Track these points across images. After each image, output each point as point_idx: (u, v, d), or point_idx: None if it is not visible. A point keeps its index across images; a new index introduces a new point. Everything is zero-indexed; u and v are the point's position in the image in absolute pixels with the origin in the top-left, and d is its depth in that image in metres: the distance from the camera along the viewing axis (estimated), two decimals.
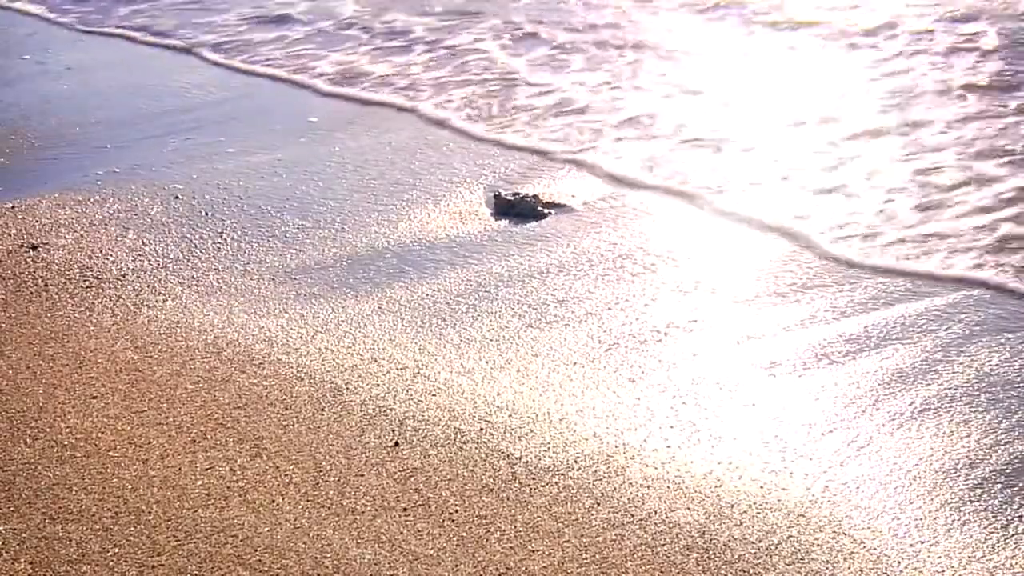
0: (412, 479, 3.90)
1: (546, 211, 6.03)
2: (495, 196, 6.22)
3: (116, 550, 3.52)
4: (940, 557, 3.44)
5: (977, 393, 4.22)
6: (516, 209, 6.05)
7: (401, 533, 3.61)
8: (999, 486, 3.72)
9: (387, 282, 5.39)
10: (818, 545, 3.53)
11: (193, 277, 5.55)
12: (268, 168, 6.95)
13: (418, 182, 6.49)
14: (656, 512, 3.71)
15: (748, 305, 4.98)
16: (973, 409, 4.13)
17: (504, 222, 5.95)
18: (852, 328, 4.72)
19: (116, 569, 3.44)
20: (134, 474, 3.92)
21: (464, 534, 3.61)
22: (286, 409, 4.35)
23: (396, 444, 4.11)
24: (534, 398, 4.37)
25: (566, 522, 3.66)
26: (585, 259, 5.50)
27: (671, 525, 3.64)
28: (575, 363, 4.60)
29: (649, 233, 5.75)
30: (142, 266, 5.68)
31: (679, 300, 5.06)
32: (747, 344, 4.67)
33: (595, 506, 3.74)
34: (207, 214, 6.34)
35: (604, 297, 5.12)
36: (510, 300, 5.16)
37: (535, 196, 6.14)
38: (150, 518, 3.67)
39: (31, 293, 5.37)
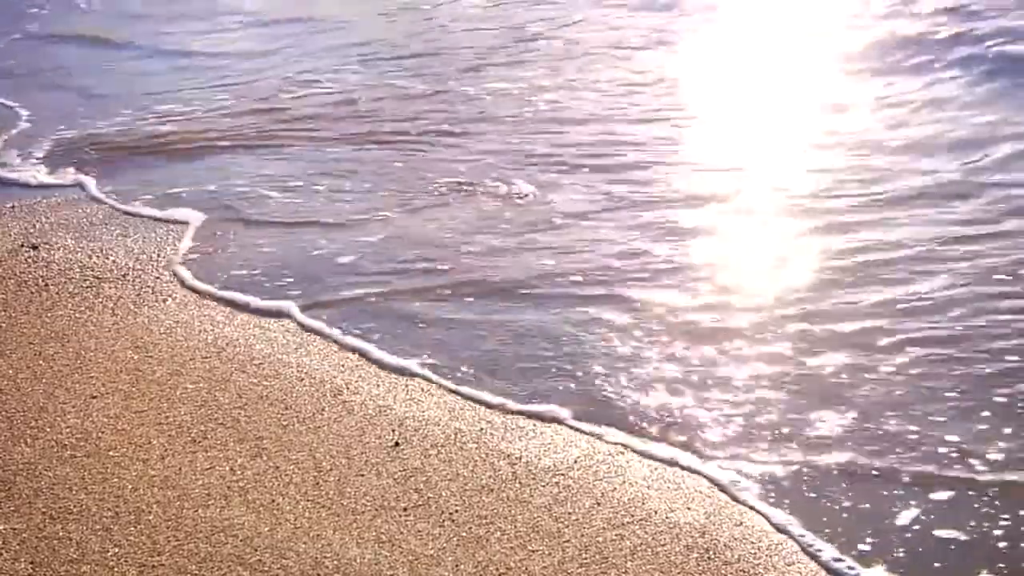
0: (412, 479, 3.90)
1: None
2: None
3: (116, 550, 3.51)
4: None
5: None
6: None
7: (401, 533, 3.61)
8: None
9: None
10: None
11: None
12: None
13: None
14: (656, 512, 3.71)
15: None
16: None
17: None
18: None
19: (116, 569, 3.43)
20: (134, 474, 3.91)
21: (464, 534, 3.61)
22: (286, 409, 4.35)
23: (396, 444, 4.11)
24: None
25: (566, 522, 3.66)
26: None
27: (671, 525, 3.64)
28: None
29: None
30: (142, 266, 5.68)
31: None
32: None
33: (595, 506, 3.74)
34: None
35: None
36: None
37: None
38: (150, 518, 3.67)
39: (31, 293, 5.36)
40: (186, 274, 5.53)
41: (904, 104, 7.52)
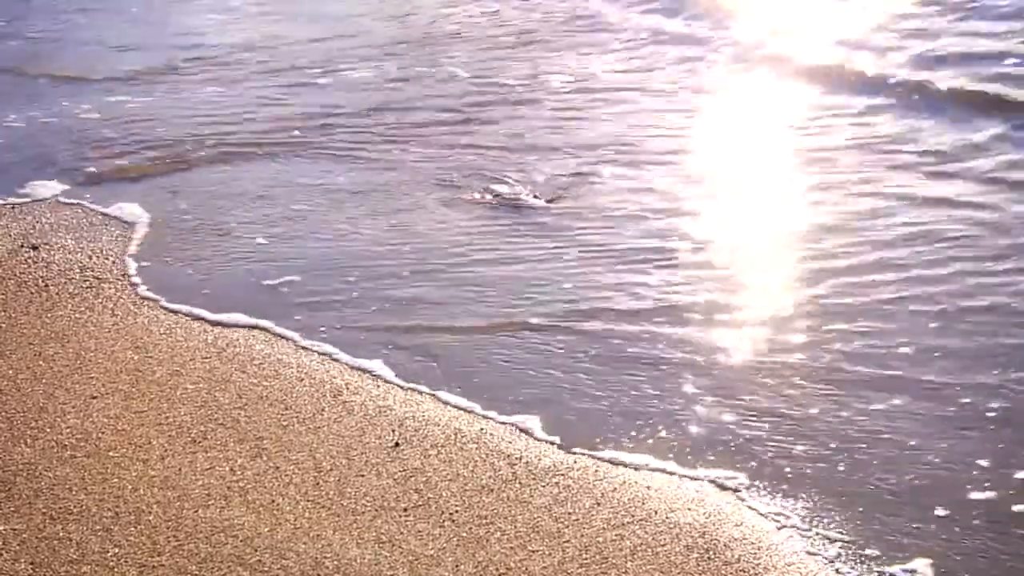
0: (412, 479, 3.90)
1: None
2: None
3: (116, 550, 3.51)
4: None
5: None
6: None
7: (401, 533, 3.61)
8: None
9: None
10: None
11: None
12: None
13: None
14: (656, 512, 3.71)
15: None
16: None
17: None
18: None
19: (116, 569, 3.43)
20: (134, 474, 3.91)
21: (464, 534, 3.61)
22: (286, 409, 4.35)
23: (396, 444, 4.11)
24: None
25: (566, 522, 3.66)
26: None
27: (671, 525, 3.64)
28: None
29: None
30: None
31: None
32: None
33: (595, 506, 3.74)
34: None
35: None
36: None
37: None
38: (150, 518, 3.67)
39: (31, 293, 5.36)
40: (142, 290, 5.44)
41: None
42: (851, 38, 8.88)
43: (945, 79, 7.78)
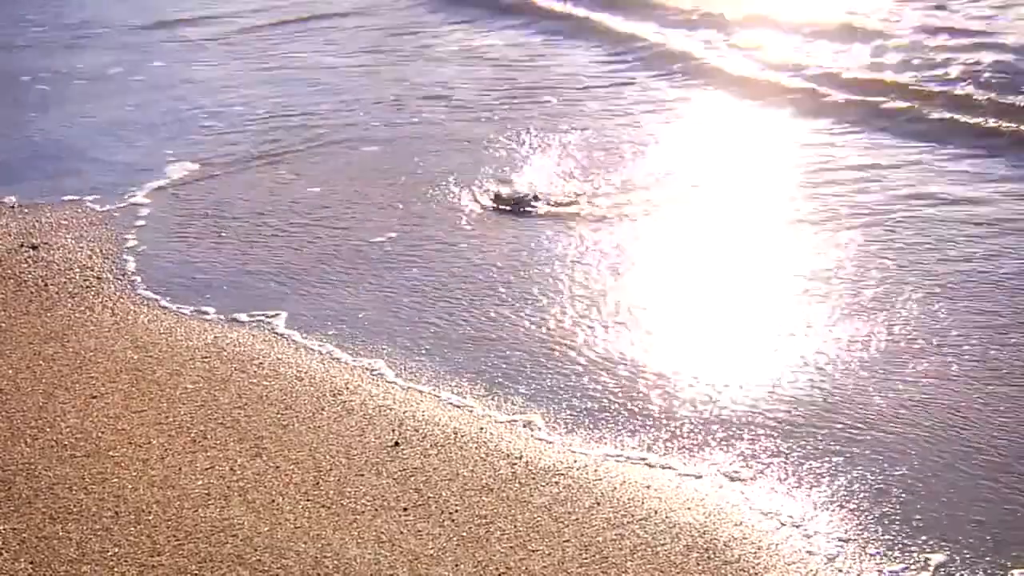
0: (412, 479, 3.90)
1: None
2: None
3: (116, 550, 3.51)
4: None
5: None
6: None
7: (401, 533, 3.61)
8: None
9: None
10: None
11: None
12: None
13: None
14: (656, 512, 3.71)
15: None
16: None
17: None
18: None
19: (116, 569, 3.43)
20: (134, 474, 3.91)
21: (464, 534, 3.61)
22: (286, 409, 4.34)
23: (396, 444, 4.11)
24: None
25: (566, 522, 3.66)
26: None
27: (671, 525, 3.64)
28: None
29: None
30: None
31: None
32: None
33: (595, 506, 3.74)
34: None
35: None
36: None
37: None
38: (150, 518, 3.67)
39: (31, 293, 5.36)
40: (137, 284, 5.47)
41: None
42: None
43: None
